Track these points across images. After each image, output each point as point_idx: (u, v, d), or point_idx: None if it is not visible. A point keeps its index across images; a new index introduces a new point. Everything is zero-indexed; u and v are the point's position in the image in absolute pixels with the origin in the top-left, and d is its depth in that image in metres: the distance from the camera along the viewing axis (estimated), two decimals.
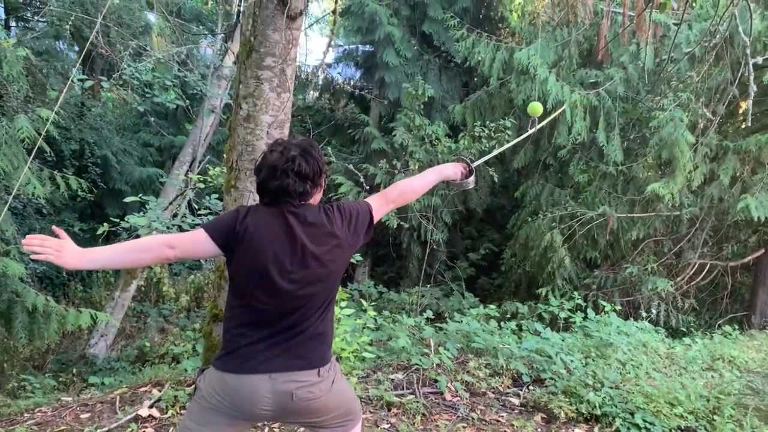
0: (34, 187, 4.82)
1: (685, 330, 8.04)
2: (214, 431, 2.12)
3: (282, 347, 2.10)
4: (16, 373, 5.35)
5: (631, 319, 6.69)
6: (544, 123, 3.57)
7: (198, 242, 2.08)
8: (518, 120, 8.88)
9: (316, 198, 2.26)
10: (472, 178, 2.86)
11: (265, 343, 2.10)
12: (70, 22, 8.01)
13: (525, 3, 11.23)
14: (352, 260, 7.96)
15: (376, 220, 2.32)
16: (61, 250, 1.89)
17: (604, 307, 6.32)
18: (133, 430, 3.44)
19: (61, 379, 6.04)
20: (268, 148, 2.19)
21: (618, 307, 6.72)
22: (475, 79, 11.76)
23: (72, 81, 6.04)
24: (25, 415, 3.97)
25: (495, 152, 3.33)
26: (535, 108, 3.56)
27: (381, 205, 2.37)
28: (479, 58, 8.83)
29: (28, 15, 11.58)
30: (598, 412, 3.97)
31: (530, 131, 3.48)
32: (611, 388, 4.25)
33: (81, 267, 1.97)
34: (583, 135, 8.17)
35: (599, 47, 7.19)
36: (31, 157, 3.11)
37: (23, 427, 3.56)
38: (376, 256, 12.27)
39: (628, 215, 8.27)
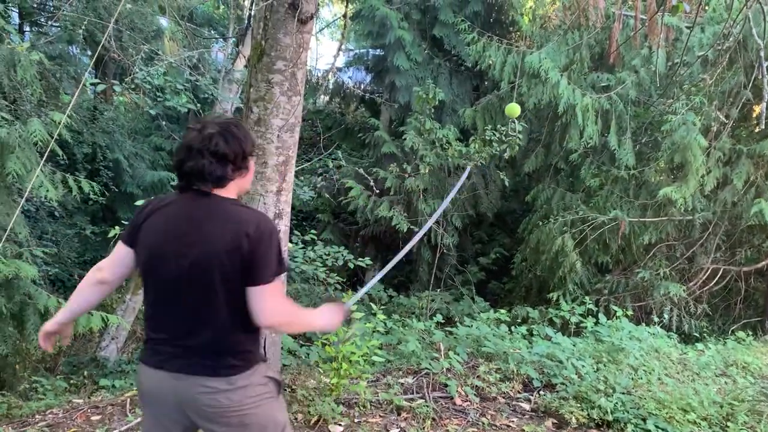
0: (47, 190, 4.86)
1: (697, 335, 7.96)
2: (155, 428, 2.05)
3: (183, 348, 1.93)
4: (28, 374, 5.39)
5: (643, 324, 6.63)
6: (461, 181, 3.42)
7: (117, 252, 2.04)
8: (529, 124, 8.84)
9: (242, 184, 2.04)
10: (351, 331, 2.37)
11: (168, 342, 1.96)
12: (83, 27, 8.08)
13: (536, 6, 11.21)
14: (361, 263, 7.96)
15: (262, 294, 1.88)
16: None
17: (615, 312, 6.27)
18: None
19: (72, 381, 6.07)
20: (188, 127, 2.01)
21: (630, 312, 6.67)
22: (486, 83, 11.75)
23: (84, 85, 6.09)
24: (37, 416, 3.99)
25: (366, 288, 2.77)
26: (513, 109, 3.49)
27: (276, 296, 1.91)
28: (490, 62, 8.81)
29: (42, 20, 11.69)
30: (610, 418, 3.94)
31: (459, 182, 3.14)
32: (623, 393, 4.22)
33: (56, 327, 2.19)
34: (595, 139, 8.13)
35: (611, 51, 7.17)
36: (43, 159, 3.13)
37: (35, 428, 3.58)
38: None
39: (640, 219, 8.21)
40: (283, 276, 2.01)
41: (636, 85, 8.15)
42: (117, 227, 5.78)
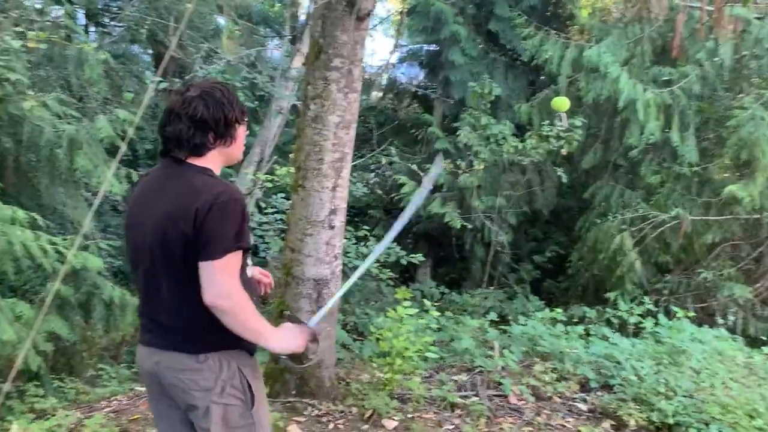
0: (112, 185, 5.03)
1: (765, 339, 7.64)
2: (156, 409, 2.06)
3: (152, 320, 1.91)
4: (94, 362, 5.61)
5: (706, 326, 6.41)
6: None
7: None
8: (587, 119, 8.65)
9: (229, 154, 1.93)
10: (313, 359, 2.04)
11: (144, 315, 1.96)
12: (145, 27, 8.33)
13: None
14: (413, 260, 7.93)
15: (207, 269, 1.72)
16: None
17: (676, 313, 6.09)
18: None
19: (133, 369, 6.28)
20: (172, 90, 1.94)
21: (691, 314, 6.44)
22: (542, 78, 11.54)
23: (148, 83, 6.30)
24: (103, 402, 4.15)
25: (329, 304, 2.53)
26: (561, 103, 3.34)
27: (224, 273, 1.72)
28: (547, 57, 8.66)
29: (106, 20, 12.08)
30: (671, 421, 3.83)
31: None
32: (685, 396, 4.09)
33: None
34: (656, 135, 7.89)
35: (674, 44, 6.94)
36: (118, 158, 3.26)
37: (101, 414, 3.72)
38: (438, 257, 12.20)
39: (703, 218, 7.92)
40: (237, 255, 1.77)
41: (700, 79, 7.86)
42: None
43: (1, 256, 3.66)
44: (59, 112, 4.79)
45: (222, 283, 1.72)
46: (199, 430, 1.91)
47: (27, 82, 4.72)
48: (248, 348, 1.92)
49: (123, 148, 3.08)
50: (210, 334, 1.80)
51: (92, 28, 12.27)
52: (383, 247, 2.31)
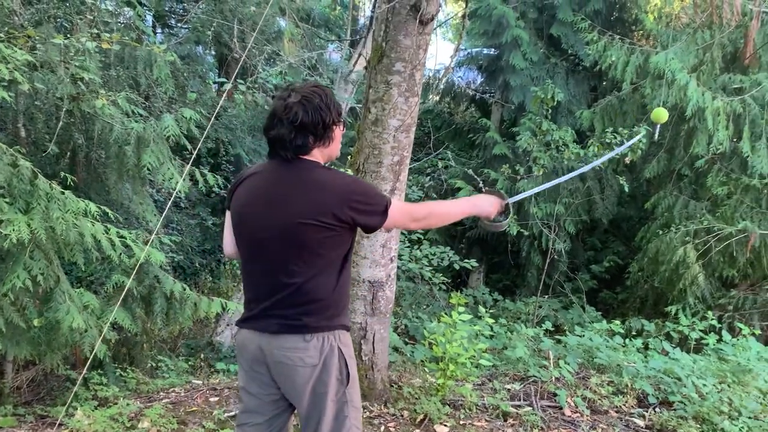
0: (177, 183, 5.17)
1: None
2: (248, 388, 2.15)
3: (264, 305, 2.03)
4: (154, 354, 5.77)
5: None
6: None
7: (227, 220, 2.19)
8: (651, 127, 8.42)
9: (328, 152, 2.08)
10: (506, 221, 2.49)
11: (255, 299, 2.07)
12: (211, 29, 8.54)
13: (663, 4, 10.64)
14: (466, 265, 7.87)
15: (386, 227, 2.05)
16: None
17: (741, 330, 5.85)
18: None
19: (190, 362, 6.44)
20: (276, 95, 2.07)
21: (757, 331, 6.18)
22: (605, 84, 11.32)
23: (211, 84, 6.46)
24: (161, 393, 4.27)
25: (536, 189, 2.90)
26: (660, 114, 3.26)
27: (400, 218, 2.07)
28: (610, 62, 8.48)
29: (172, 22, 12.45)
30: None
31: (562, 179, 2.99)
32: (750, 418, 3.92)
33: None
34: (725, 144, 7.61)
35: (746, 51, 6.68)
36: (192, 159, 3.35)
37: (160, 404, 3.83)
38: (492, 263, 12.08)
39: None
40: (393, 201, 2.05)
41: None
42: None
43: (73, 248, 3.81)
44: (128, 110, 4.95)
45: (406, 220, 2.10)
46: (299, 407, 2.07)
47: (99, 82, 4.89)
48: (347, 324, 2.11)
49: (198, 147, 3.14)
50: (318, 318, 2.00)
51: (159, 30, 12.67)
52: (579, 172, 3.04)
